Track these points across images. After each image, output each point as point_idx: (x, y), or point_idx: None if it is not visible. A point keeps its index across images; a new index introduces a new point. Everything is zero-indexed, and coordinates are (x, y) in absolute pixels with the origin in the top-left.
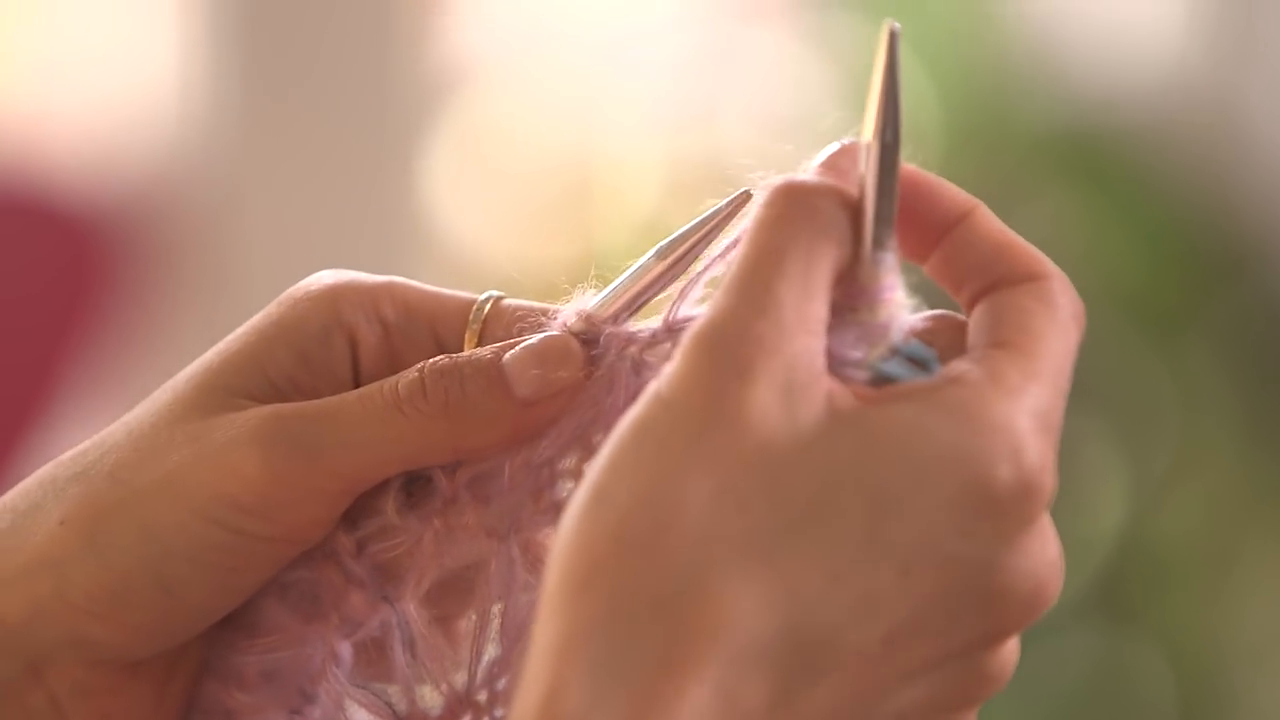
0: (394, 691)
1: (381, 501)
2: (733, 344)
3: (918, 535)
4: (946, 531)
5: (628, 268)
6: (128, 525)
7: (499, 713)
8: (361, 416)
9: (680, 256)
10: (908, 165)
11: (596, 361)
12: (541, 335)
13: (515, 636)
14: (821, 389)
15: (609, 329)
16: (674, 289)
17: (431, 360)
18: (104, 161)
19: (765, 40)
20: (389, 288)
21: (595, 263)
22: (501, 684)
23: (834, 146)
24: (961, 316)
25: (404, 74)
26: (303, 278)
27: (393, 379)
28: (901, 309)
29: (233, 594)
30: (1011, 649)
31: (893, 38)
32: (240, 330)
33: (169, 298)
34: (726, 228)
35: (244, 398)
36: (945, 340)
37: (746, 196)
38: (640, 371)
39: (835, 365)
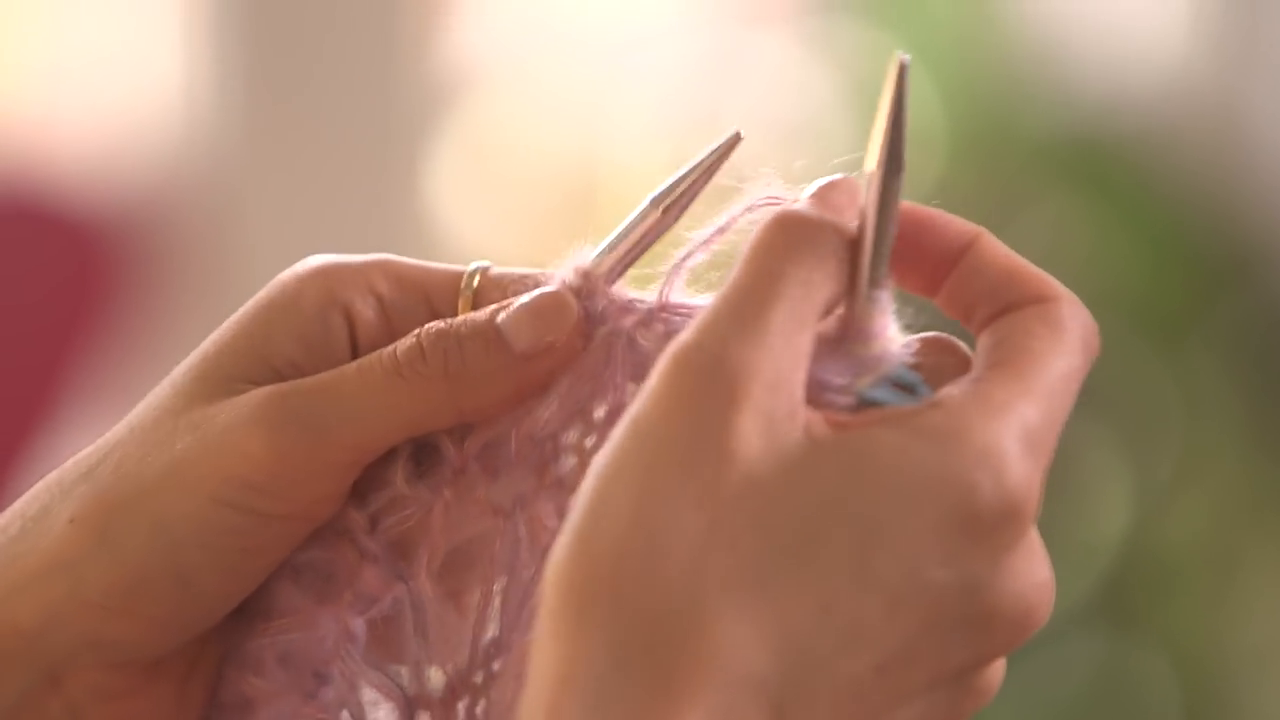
0: (403, 673)
1: (390, 472)
2: (721, 371)
3: (904, 566)
4: (932, 560)
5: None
6: (138, 519)
7: (495, 695)
8: (362, 386)
9: (675, 203)
10: (908, 202)
11: (594, 324)
12: (536, 292)
13: (515, 617)
14: (803, 419)
15: (605, 295)
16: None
17: (427, 325)
18: (108, 166)
19: (769, 46)
20: (379, 264)
21: None
22: (497, 665)
23: (827, 180)
24: (949, 337)
25: (408, 79)
26: None
27: (390, 347)
28: (894, 343)
29: (248, 577)
30: (999, 664)
31: (902, 70)
32: (234, 317)
33: (173, 302)
34: (718, 171)
35: (244, 383)
36: (933, 362)
37: (737, 138)
38: (634, 348)
39: (820, 391)
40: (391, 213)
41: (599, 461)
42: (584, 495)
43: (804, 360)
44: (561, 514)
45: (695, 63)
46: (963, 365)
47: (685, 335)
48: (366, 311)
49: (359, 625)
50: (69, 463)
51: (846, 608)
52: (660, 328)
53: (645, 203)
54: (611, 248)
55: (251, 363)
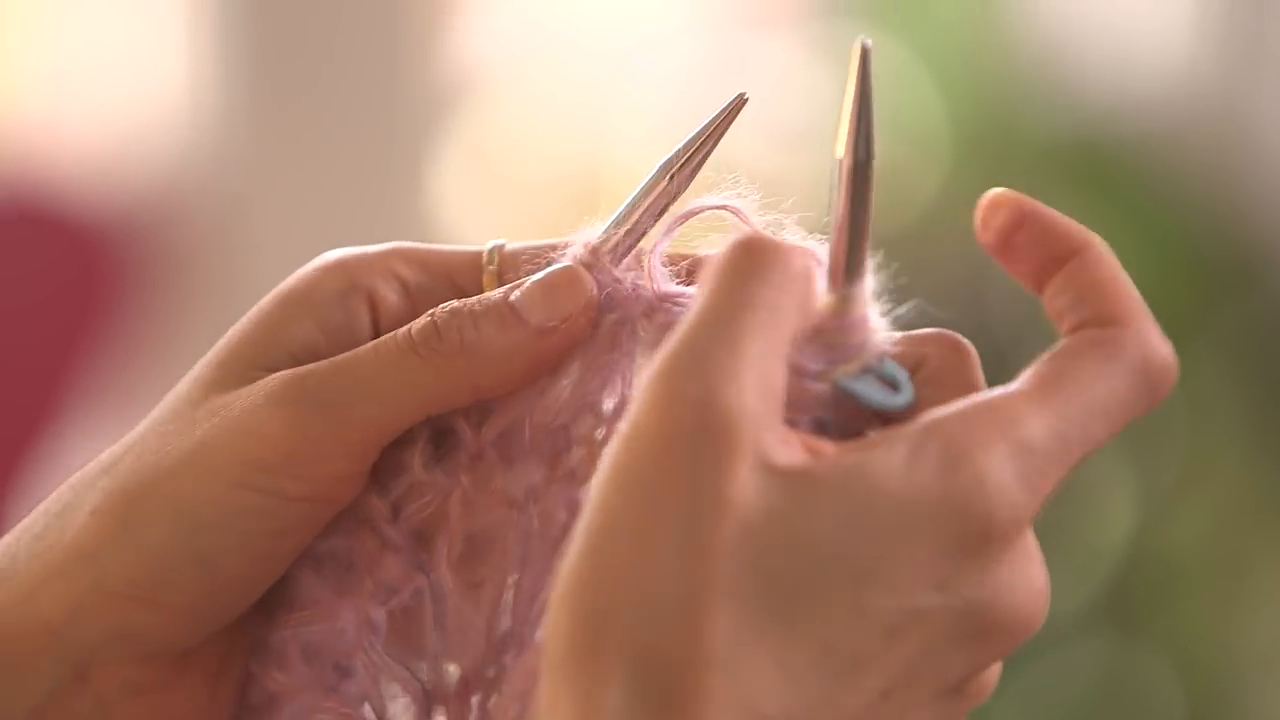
0: (421, 666)
1: (408, 457)
2: (712, 417)
3: (899, 598)
4: (926, 586)
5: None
6: (159, 506)
7: (506, 690)
8: (378, 365)
9: (683, 169)
10: (1031, 200)
11: (604, 307)
12: (550, 269)
13: (527, 611)
14: (789, 455)
15: (613, 275)
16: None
17: (441, 305)
18: (113, 169)
19: (773, 49)
20: (398, 250)
21: None
22: (509, 659)
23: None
24: (954, 335)
25: (413, 82)
26: None
27: (405, 327)
28: (875, 333)
29: (270, 561)
30: (993, 669)
31: (864, 54)
32: (255, 308)
33: (178, 305)
34: (725, 134)
35: (262, 371)
36: (938, 357)
37: (742, 101)
38: (636, 337)
39: (796, 377)
40: (396, 215)
41: (592, 511)
42: (580, 547)
43: (782, 389)
44: (572, 507)
45: (699, 66)
46: (966, 367)
47: (667, 372)
48: (390, 295)
49: (380, 615)
50: (93, 461)
51: (846, 645)
52: (661, 318)
53: (655, 170)
54: (622, 220)
55: (270, 351)
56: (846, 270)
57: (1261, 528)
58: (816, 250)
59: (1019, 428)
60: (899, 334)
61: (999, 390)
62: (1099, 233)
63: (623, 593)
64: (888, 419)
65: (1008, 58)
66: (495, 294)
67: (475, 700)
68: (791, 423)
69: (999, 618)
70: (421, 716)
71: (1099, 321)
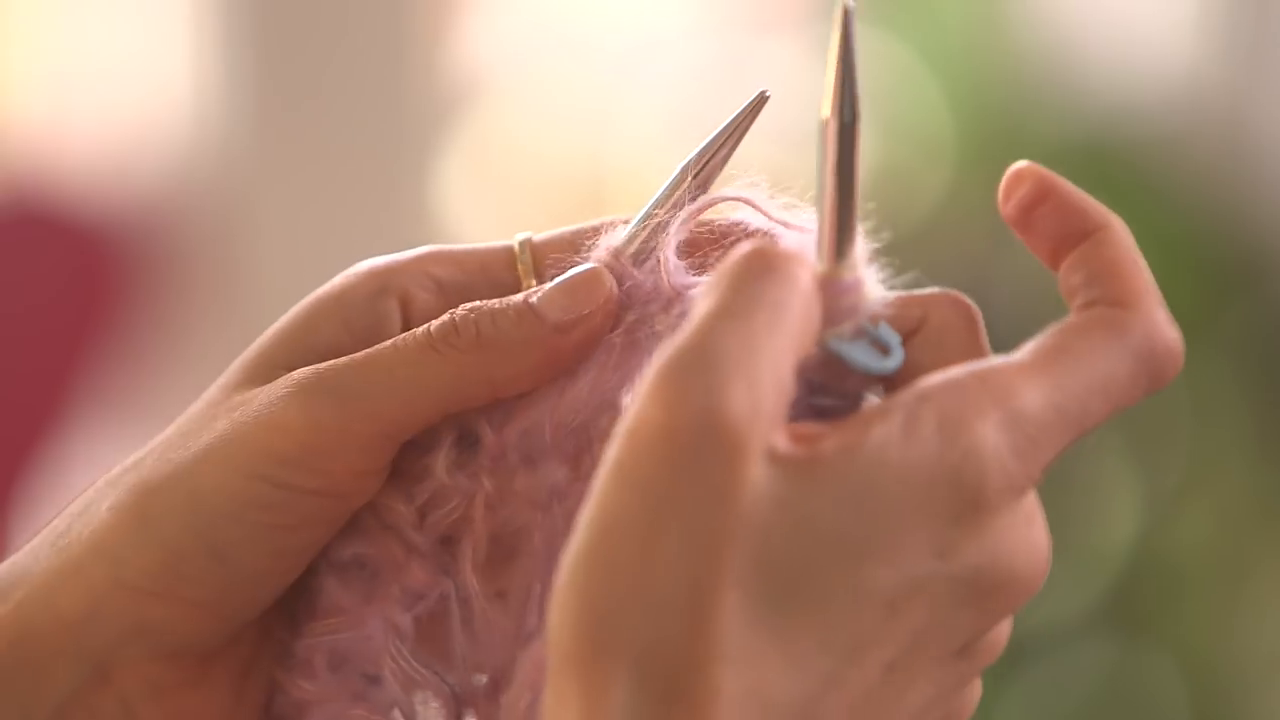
0: (450, 672)
1: (432, 461)
2: (716, 416)
3: (898, 572)
4: (924, 557)
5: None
6: (176, 498)
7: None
8: (395, 360)
9: (706, 169)
10: (1054, 175)
11: (624, 306)
12: (572, 271)
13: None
14: (791, 447)
15: (633, 277)
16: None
17: (461, 305)
18: (117, 172)
19: (778, 52)
20: (432, 252)
21: None
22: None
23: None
24: (958, 294)
25: (418, 84)
26: (316, 288)
27: (425, 324)
28: (867, 297)
29: (287, 557)
30: (1004, 623)
31: (847, 16)
32: (286, 313)
33: (183, 308)
34: (747, 132)
35: (287, 370)
36: (939, 317)
37: (763, 98)
38: (654, 333)
39: None
40: (401, 218)
41: (594, 506)
42: (582, 543)
43: (788, 386)
44: None
45: (704, 68)
46: (969, 329)
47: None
48: (423, 296)
49: (406, 621)
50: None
51: (849, 625)
52: (677, 310)
53: (676, 171)
54: (644, 222)
55: (296, 352)
56: (836, 234)
57: (1266, 530)
58: (808, 218)
59: (1014, 398)
60: (900, 293)
61: (998, 359)
62: None
63: (627, 589)
64: (877, 381)
65: (1013, 61)
66: (517, 296)
67: (505, 700)
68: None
69: (999, 579)
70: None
71: (1109, 302)
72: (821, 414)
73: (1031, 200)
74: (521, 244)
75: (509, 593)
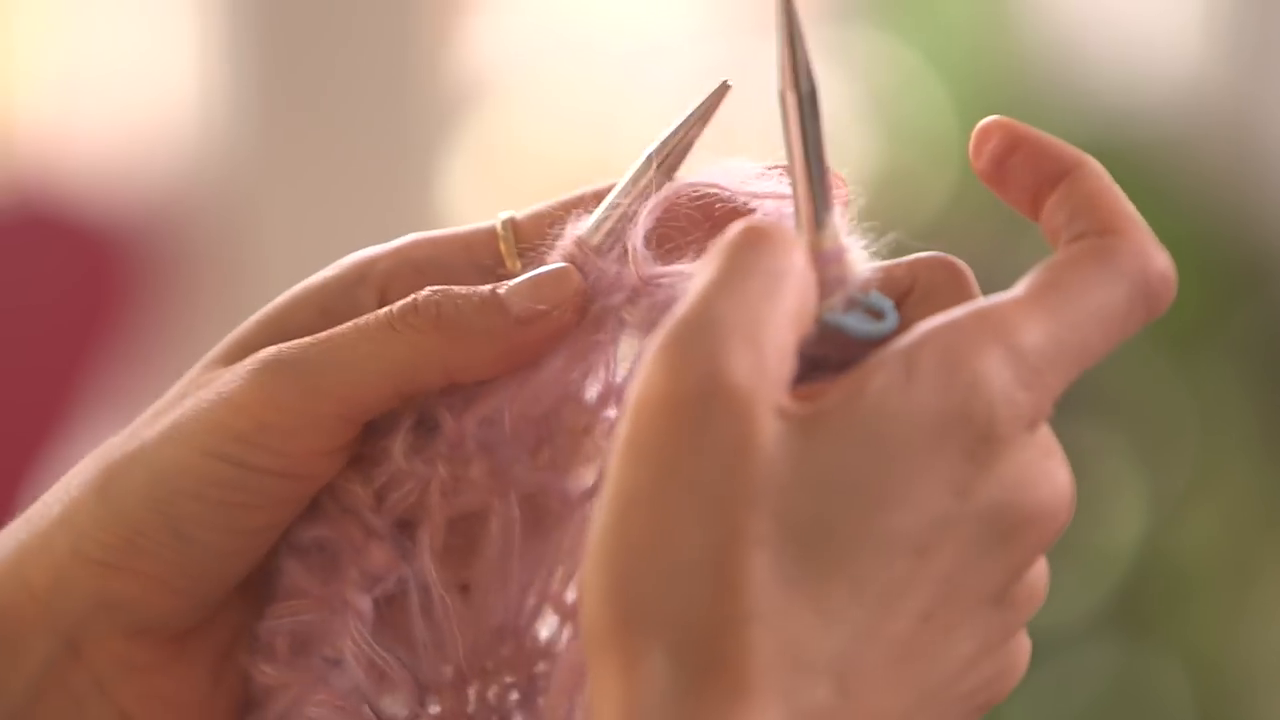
0: (413, 657)
1: (390, 445)
2: (714, 375)
3: (920, 514)
4: (944, 497)
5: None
6: (136, 473)
7: (507, 679)
8: (355, 337)
9: (669, 158)
10: (1022, 124)
11: (590, 297)
12: (541, 269)
13: (518, 601)
14: (796, 405)
15: (598, 267)
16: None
17: (428, 287)
18: (123, 174)
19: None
20: (413, 239)
21: None
22: (507, 650)
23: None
24: (946, 256)
25: (423, 87)
26: None
27: (390, 305)
28: (853, 266)
29: (245, 536)
30: (1041, 569)
31: None
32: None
33: (188, 309)
34: (710, 121)
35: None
36: (927, 279)
37: (725, 88)
38: (621, 324)
39: None
40: (406, 219)
41: (609, 484)
42: (601, 522)
43: (790, 351)
44: (555, 496)
45: (710, 70)
46: (958, 283)
47: (672, 340)
48: (402, 281)
49: (366, 604)
50: None
51: (878, 574)
52: (646, 301)
53: (641, 159)
54: (609, 211)
55: (272, 335)
56: (812, 205)
57: (1271, 532)
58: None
59: (1013, 331)
60: (886, 262)
61: (993, 297)
62: None
63: (649, 560)
64: (877, 346)
65: (1019, 63)
66: (485, 286)
67: (472, 691)
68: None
69: (1024, 514)
70: (415, 706)
71: (1096, 231)
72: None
73: (1002, 150)
74: (504, 223)
75: (468, 581)
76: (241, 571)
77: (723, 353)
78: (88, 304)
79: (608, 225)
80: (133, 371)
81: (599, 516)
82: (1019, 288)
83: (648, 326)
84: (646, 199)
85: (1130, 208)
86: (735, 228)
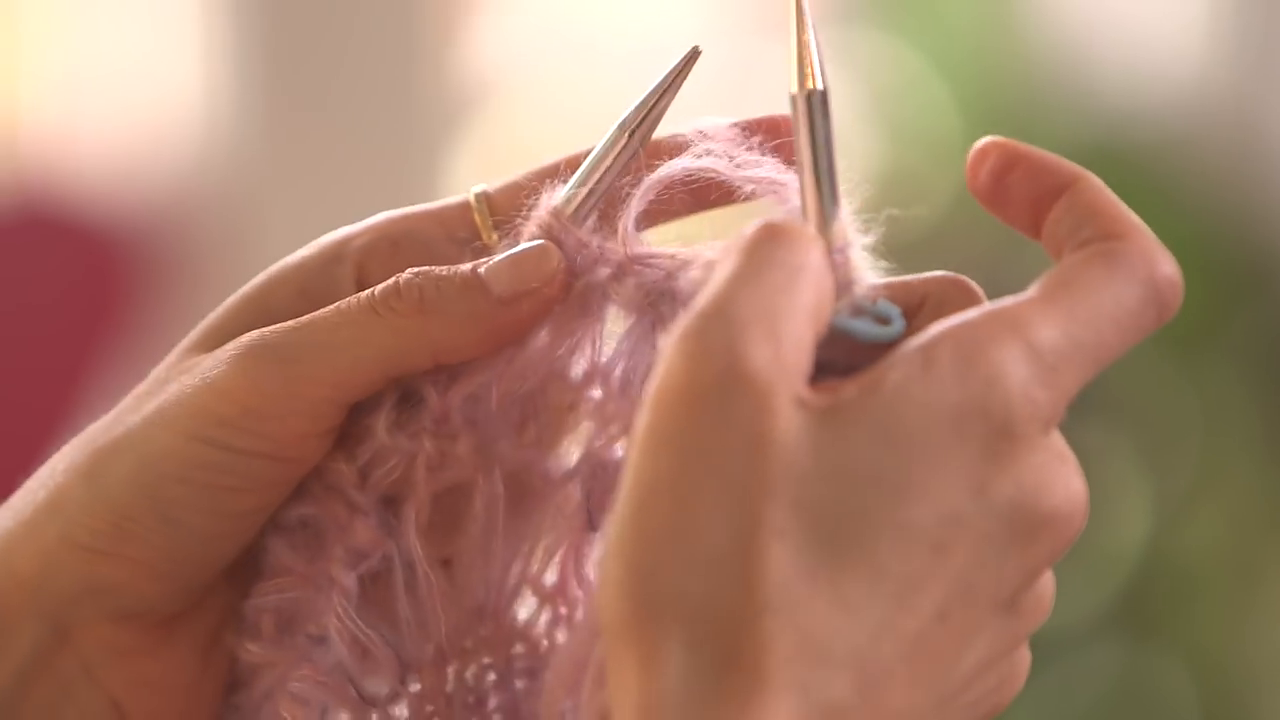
0: (396, 635)
1: (374, 421)
2: (734, 365)
3: (937, 509)
4: (962, 494)
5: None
6: (123, 458)
7: (485, 660)
8: (338, 322)
9: (641, 126)
10: (1017, 142)
11: (572, 274)
12: (521, 246)
13: (500, 579)
14: (816, 397)
15: (577, 239)
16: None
17: (408, 269)
18: (127, 174)
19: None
20: (385, 217)
21: None
22: (486, 630)
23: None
24: (958, 276)
25: (427, 88)
26: None
27: (371, 288)
28: (859, 270)
29: (232, 520)
30: (1048, 581)
31: None
32: (249, 282)
33: (192, 310)
34: (679, 89)
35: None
36: (938, 294)
37: (695, 53)
38: (606, 302)
39: None
40: None
41: (630, 473)
42: (622, 511)
43: (810, 344)
44: (539, 473)
45: (714, 71)
46: (968, 299)
47: (693, 330)
48: (378, 257)
49: (351, 581)
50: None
51: (896, 566)
52: (631, 281)
53: (613, 129)
54: (583, 180)
55: (252, 316)
56: (820, 205)
57: (1275, 533)
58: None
59: (1029, 329)
60: (898, 279)
61: (1007, 299)
62: None
63: (669, 549)
64: (884, 351)
65: (1022, 64)
66: (465, 265)
67: (451, 670)
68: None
69: (1039, 517)
70: (396, 684)
71: (1101, 237)
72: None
73: (1001, 168)
74: (477, 196)
75: (452, 559)
76: (230, 554)
77: (742, 343)
78: (92, 304)
79: (581, 195)
80: (136, 371)
81: (620, 504)
82: (1032, 289)
83: (635, 305)
84: (622, 169)
85: (1134, 216)
86: (754, 224)
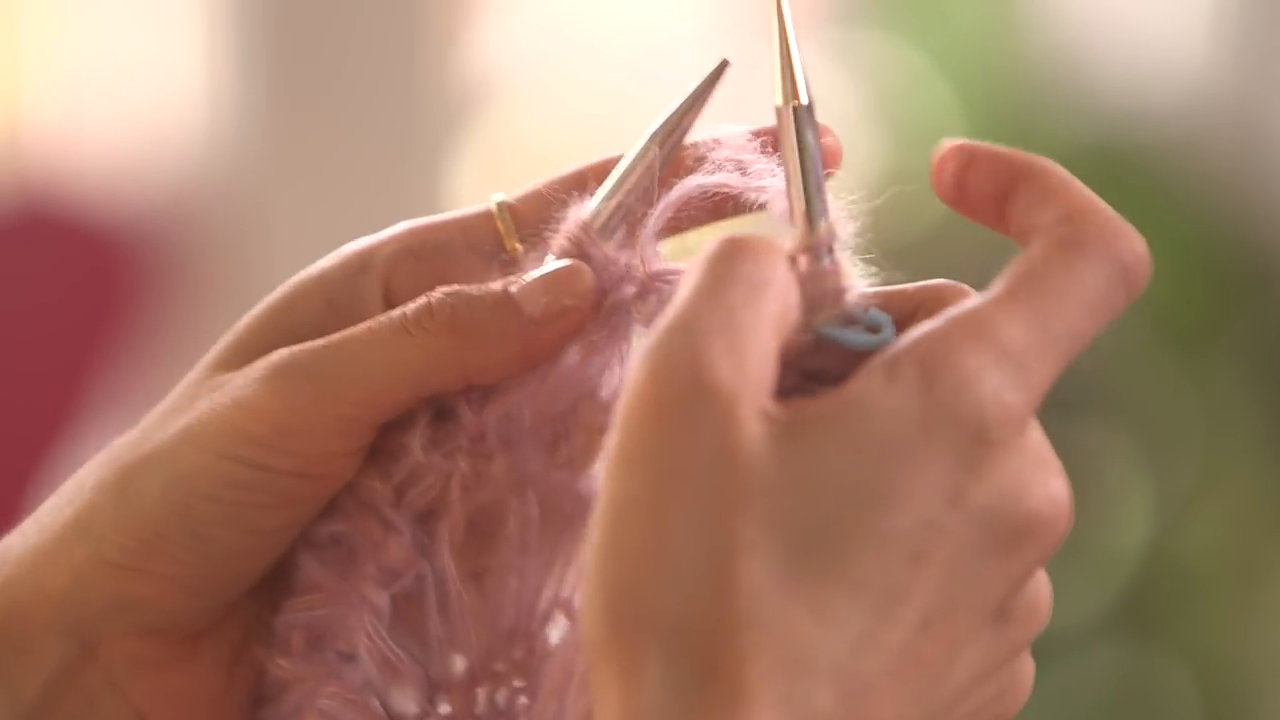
0: (427, 655)
1: (409, 440)
2: (710, 384)
3: (913, 517)
4: (936, 501)
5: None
6: (154, 475)
7: (517, 683)
8: (369, 342)
9: (670, 138)
10: (974, 141)
11: (602, 283)
12: (552, 265)
13: (532, 602)
14: (782, 410)
15: (604, 254)
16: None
17: (439, 287)
18: (131, 176)
19: None
20: (408, 227)
21: None
22: (519, 653)
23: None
24: (953, 283)
25: (430, 88)
26: None
27: (402, 307)
28: (848, 279)
29: (262, 536)
30: (1042, 584)
31: (780, 3)
32: (271, 293)
33: (196, 311)
34: (709, 101)
35: (269, 348)
36: (935, 299)
37: (725, 65)
38: (631, 320)
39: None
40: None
41: (603, 491)
42: (597, 530)
43: (773, 357)
44: (572, 495)
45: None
46: (960, 294)
47: (657, 346)
48: (403, 267)
49: (383, 600)
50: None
51: (875, 577)
52: (654, 299)
53: (642, 141)
54: (612, 193)
55: (277, 330)
56: (808, 217)
57: (1277, 533)
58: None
59: (993, 329)
60: (890, 288)
61: (969, 301)
62: None
63: (646, 566)
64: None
65: (1024, 64)
66: (496, 283)
67: (482, 693)
68: (783, 376)
69: (1019, 522)
70: (425, 704)
71: (1060, 219)
72: None
73: (959, 168)
74: (499, 205)
75: (485, 579)
76: (259, 570)
77: (704, 356)
78: (94, 305)
79: (609, 208)
80: (139, 372)
81: (595, 525)
82: (995, 286)
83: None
84: (650, 181)
85: (1093, 195)
86: (718, 240)
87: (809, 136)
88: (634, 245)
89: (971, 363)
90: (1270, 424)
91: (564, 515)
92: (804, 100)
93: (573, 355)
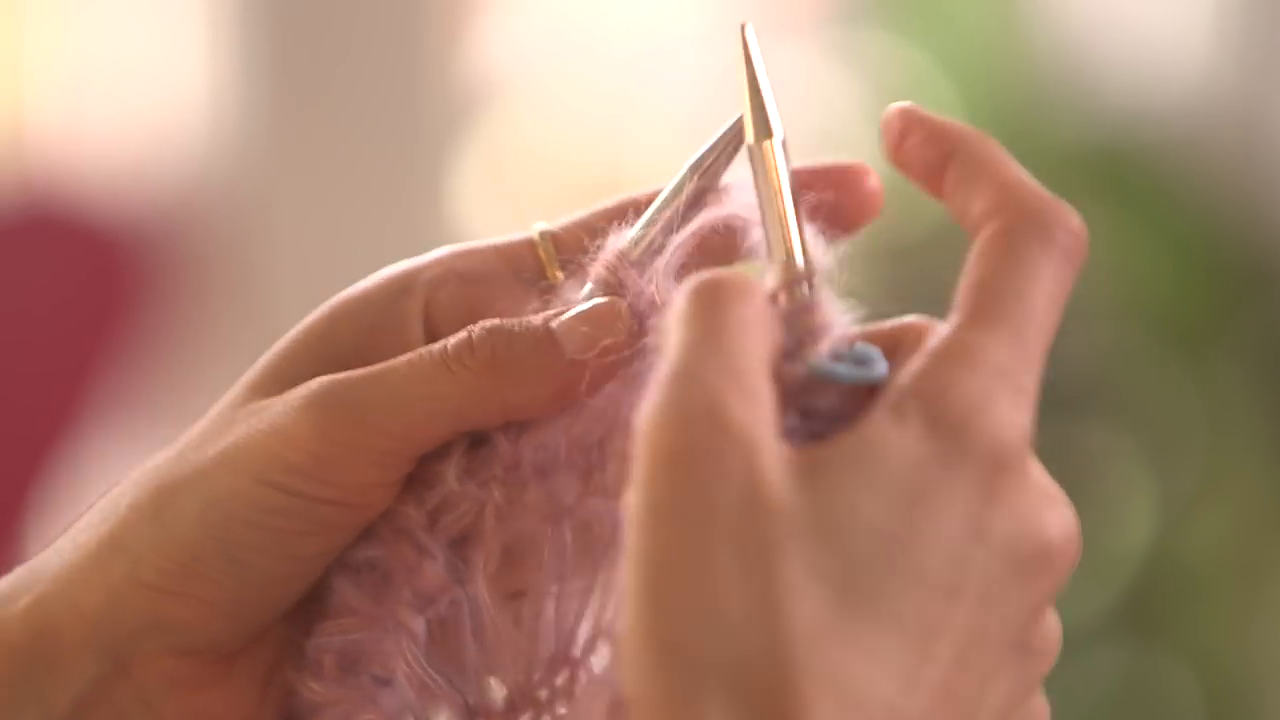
0: (464, 681)
1: (444, 468)
2: (730, 434)
3: (944, 554)
4: (964, 538)
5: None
6: (192, 498)
7: (560, 710)
8: (409, 375)
9: (709, 170)
10: (921, 109)
11: (636, 314)
12: (591, 302)
13: (571, 629)
14: (794, 453)
15: (639, 287)
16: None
17: (480, 322)
18: (134, 176)
19: (793, 55)
20: (452, 250)
21: None
22: (561, 680)
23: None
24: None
25: (433, 89)
26: (332, 292)
27: (443, 340)
28: (834, 312)
29: (299, 562)
30: (1052, 618)
31: (745, 36)
32: (311, 314)
33: (198, 311)
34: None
35: (310, 374)
36: (891, 344)
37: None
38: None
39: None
40: (416, 222)
41: (636, 545)
42: (636, 587)
43: (770, 396)
44: (607, 523)
45: (719, 72)
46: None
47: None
48: (445, 292)
49: (419, 624)
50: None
51: (915, 614)
52: None
53: (683, 170)
54: (652, 223)
55: (317, 353)
56: (788, 252)
57: None
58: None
59: (985, 355)
60: (871, 326)
61: (943, 331)
62: (1120, 240)
63: (696, 618)
64: (867, 392)
65: (1028, 65)
66: (537, 318)
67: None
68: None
69: (1038, 549)
70: None
71: (990, 212)
72: (819, 439)
73: (900, 133)
74: (542, 234)
75: (521, 605)
76: (294, 595)
77: (716, 398)
78: (97, 305)
79: (647, 239)
80: (142, 373)
81: (632, 580)
82: (957, 309)
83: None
84: (689, 211)
85: (1020, 172)
86: (693, 284)
87: (783, 172)
88: (653, 277)
89: (975, 392)
90: (1272, 424)
91: (602, 542)
92: (777, 135)
93: (609, 387)
